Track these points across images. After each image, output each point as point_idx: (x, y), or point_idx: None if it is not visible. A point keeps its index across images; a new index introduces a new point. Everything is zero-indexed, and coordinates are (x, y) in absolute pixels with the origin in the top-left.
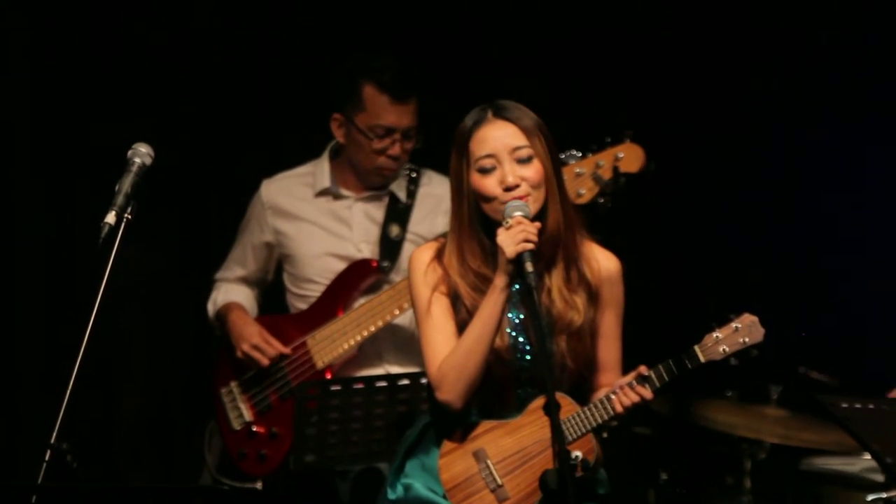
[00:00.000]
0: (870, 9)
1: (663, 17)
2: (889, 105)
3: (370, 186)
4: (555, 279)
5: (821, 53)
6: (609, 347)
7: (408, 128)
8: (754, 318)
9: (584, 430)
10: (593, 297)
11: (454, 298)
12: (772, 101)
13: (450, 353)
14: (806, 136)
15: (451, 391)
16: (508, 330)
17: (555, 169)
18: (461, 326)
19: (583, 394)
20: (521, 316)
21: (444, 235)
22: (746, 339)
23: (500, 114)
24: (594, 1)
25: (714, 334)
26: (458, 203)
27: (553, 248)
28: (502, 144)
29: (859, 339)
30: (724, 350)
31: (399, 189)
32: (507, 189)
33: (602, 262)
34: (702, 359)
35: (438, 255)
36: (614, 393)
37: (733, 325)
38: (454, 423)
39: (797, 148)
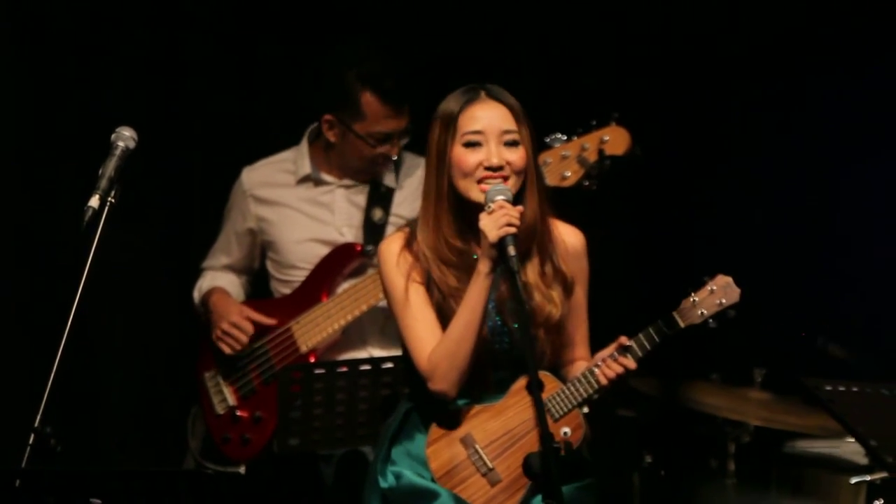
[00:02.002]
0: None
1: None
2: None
3: (359, 180)
4: (530, 274)
5: (822, 52)
6: (577, 321)
7: (405, 128)
8: (728, 279)
9: (569, 407)
10: (569, 288)
11: (428, 283)
12: (769, 91)
13: (439, 343)
14: (806, 120)
15: (444, 380)
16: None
17: (535, 160)
18: (437, 310)
19: (554, 370)
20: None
21: (408, 225)
22: (723, 301)
23: (493, 95)
24: None
25: (691, 298)
26: (436, 175)
27: (528, 241)
28: (493, 125)
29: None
30: (702, 313)
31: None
32: (489, 169)
33: (567, 238)
34: (681, 324)
35: (407, 244)
36: (597, 366)
37: (708, 287)
38: (436, 409)
39: (796, 136)
